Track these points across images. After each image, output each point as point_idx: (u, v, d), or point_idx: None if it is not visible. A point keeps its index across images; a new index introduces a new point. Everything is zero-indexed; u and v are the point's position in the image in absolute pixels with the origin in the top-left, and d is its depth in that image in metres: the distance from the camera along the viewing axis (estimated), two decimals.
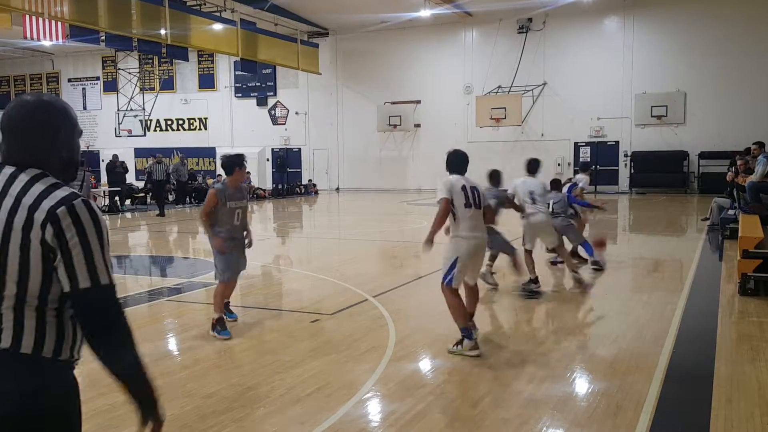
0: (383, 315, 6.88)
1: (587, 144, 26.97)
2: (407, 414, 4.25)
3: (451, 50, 28.73)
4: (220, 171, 29.79)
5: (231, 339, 6.00)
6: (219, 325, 6.08)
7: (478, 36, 28.38)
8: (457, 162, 5.66)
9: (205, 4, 23.42)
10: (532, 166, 8.26)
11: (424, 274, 9.22)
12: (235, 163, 6.19)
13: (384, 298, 7.70)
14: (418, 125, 29.52)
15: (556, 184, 9.04)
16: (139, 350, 1.93)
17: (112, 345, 1.88)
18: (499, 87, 27.63)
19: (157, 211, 19.28)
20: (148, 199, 22.96)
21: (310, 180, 30.81)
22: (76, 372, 1.96)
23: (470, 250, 5.43)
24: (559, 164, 26.31)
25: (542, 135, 27.43)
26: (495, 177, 7.50)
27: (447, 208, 5.41)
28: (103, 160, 33.68)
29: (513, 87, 27.34)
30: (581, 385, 4.87)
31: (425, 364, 5.41)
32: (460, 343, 5.42)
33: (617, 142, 26.70)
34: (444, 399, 4.58)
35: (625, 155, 26.53)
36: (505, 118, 26.54)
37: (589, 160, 25.31)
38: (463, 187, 5.47)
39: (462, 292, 5.60)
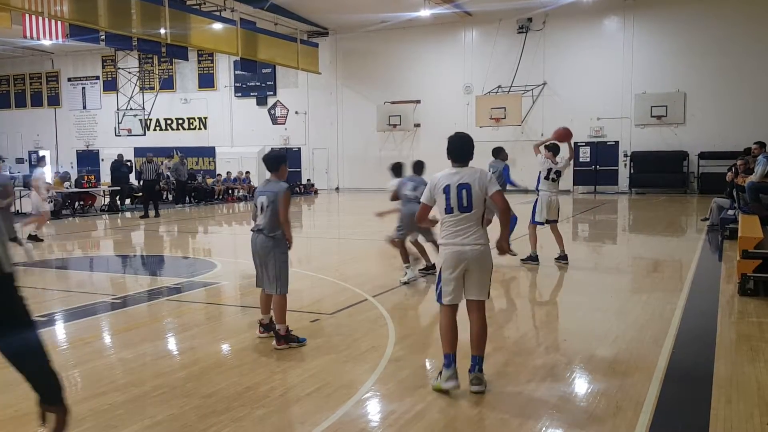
0: (383, 315, 6.88)
1: (587, 144, 26.95)
2: (407, 414, 4.25)
3: (451, 50, 28.72)
4: (220, 171, 29.94)
5: (256, 339, 6.01)
6: (291, 337, 5.77)
7: (478, 36, 28.37)
8: (456, 149, 4.82)
9: (204, 4, 23.40)
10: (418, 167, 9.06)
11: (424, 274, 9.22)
12: (281, 159, 6.19)
13: (383, 297, 7.70)
14: (417, 125, 29.50)
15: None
16: (41, 338, 1.91)
17: (12, 333, 1.85)
18: (499, 87, 27.63)
19: (154, 212, 18.96)
20: None
21: (308, 180, 30.82)
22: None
23: (449, 260, 4.64)
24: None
25: (542, 135, 27.27)
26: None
27: (423, 214, 4.91)
28: (102, 160, 33.73)
29: (513, 87, 27.34)
30: (581, 385, 4.87)
31: (425, 364, 5.39)
32: (440, 373, 4.64)
33: (617, 142, 26.69)
34: (444, 399, 4.57)
35: (625, 155, 26.53)
36: (504, 118, 26.54)
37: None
38: (446, 188, 4.65)
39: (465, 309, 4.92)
